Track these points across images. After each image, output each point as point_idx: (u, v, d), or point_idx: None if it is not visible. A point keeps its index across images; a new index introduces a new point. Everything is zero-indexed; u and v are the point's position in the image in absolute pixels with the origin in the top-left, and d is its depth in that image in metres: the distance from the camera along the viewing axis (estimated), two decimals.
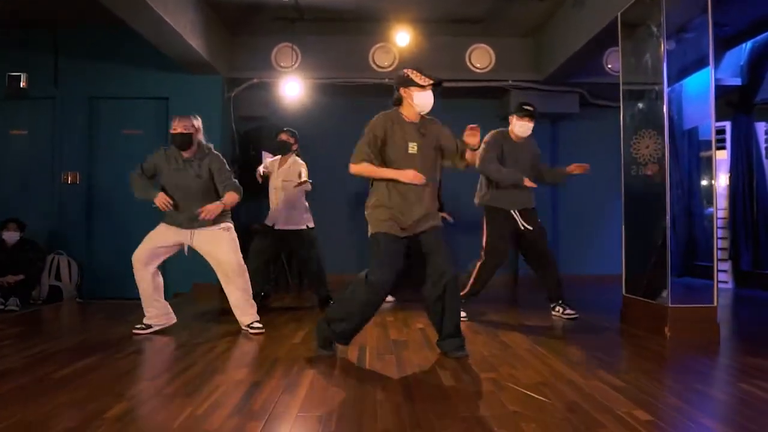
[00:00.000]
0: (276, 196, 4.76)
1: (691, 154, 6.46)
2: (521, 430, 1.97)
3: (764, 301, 5.50)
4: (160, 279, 3.81)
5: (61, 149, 5.96)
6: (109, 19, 4.53)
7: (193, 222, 3.70)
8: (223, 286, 3.83)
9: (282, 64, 6.27)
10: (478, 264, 4.26)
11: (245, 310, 3.82)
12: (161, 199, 3.63)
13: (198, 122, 3.76)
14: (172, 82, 5.94)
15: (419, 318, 4.29)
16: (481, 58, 6.40)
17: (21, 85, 5.83)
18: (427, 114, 3.17)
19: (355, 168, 3.04)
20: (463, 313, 4.20)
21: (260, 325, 3.78)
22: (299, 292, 6.23)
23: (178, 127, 3.66)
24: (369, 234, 3.07)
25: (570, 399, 2.32)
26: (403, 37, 5.97)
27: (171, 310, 3.86)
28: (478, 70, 6.39)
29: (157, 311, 3.78)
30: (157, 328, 3.77)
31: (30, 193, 5.96)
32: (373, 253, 3.01)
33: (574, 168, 4.39)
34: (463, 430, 1.98)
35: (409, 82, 3.05)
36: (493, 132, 4.34)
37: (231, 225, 3.84)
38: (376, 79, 6.31)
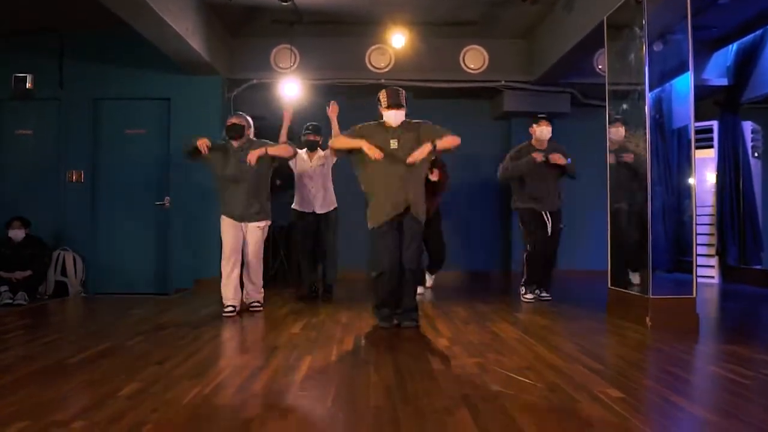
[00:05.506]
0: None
1: (681, 152, 6.65)
2: (502, 407, 2.14)
3: (748, 295, 5.68)
4: None
5: (66, 148, 6.13)
6: (113, 24, 4.70)
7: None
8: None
9: (281, 65, 6.44)
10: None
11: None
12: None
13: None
14: (174, 83, 6.10)
15: None
16: (474, 59, 6.57)
17: (27, 86, 5.98)
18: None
19: None
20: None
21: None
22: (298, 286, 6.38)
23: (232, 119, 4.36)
24: None
25: (551, 380, 2.49)
26: (398, 39, 6.14)
27: None
28: (471, 71, 6.56)
29: None
30: None
31: (36, 191, 6.13)
32: None
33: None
34: (448, 406, 2.15)
35: None
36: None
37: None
38: (373, 80, 6.47)
